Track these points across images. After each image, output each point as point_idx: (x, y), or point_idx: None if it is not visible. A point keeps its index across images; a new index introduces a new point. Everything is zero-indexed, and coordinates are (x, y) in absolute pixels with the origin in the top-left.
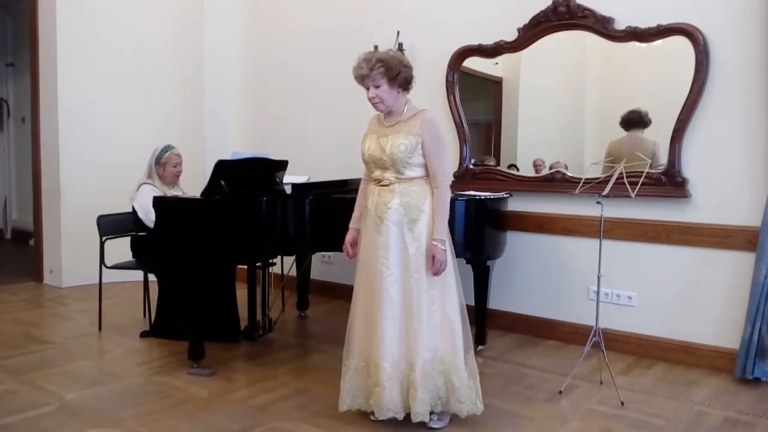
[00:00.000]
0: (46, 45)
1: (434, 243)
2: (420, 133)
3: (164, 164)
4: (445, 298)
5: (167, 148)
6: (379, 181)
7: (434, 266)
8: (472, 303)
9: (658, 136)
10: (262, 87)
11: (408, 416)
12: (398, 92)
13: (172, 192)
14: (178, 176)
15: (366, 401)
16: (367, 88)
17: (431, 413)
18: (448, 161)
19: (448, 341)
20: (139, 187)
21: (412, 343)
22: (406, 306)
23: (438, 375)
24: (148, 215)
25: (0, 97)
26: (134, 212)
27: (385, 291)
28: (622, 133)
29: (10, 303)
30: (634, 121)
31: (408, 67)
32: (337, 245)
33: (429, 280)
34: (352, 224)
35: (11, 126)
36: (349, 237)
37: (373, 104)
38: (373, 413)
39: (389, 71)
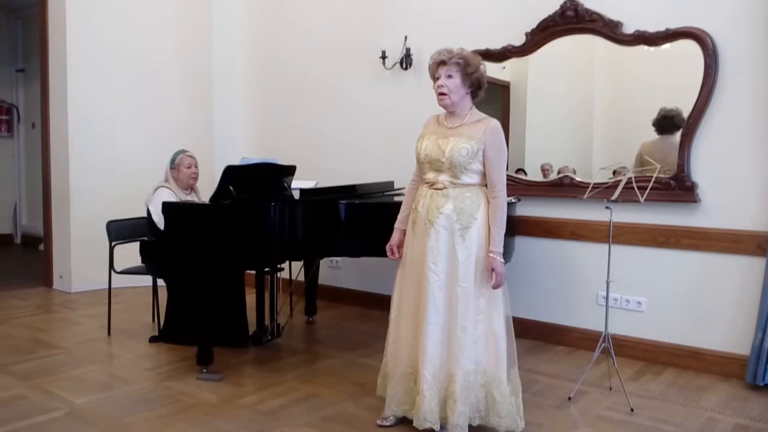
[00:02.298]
0: (56, 51)
1: (492, 255)
2: (483, 139)
3: (178, 166)
4: (492, 309)
5: (180, 151)
6: (432, 184)
7: (495, 279)
8: None
9: None
10: (271, 93)
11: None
12: (467, 92)
13: (188, 197)
14: (195, 179)
15: (411, 408)
16: (438, 78)
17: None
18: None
19: (491, 354)
20: (155, 190)
21: (454, 353)
22: (450, 314)
23: (479, 388)
24: (162, 218)
25: (10, 102)
26: (149, 216)
27: (432, 297)
28: (631, 136)
29: (19, 308)
30: (668, 126)
31: (484, 73)
32: (344, 250)
33: (476, 290)
34: (397, 225)
35: (21, 131)
36: (395, 238)
37: (438, 94)
38: (385, 418)
39: (467, 66)
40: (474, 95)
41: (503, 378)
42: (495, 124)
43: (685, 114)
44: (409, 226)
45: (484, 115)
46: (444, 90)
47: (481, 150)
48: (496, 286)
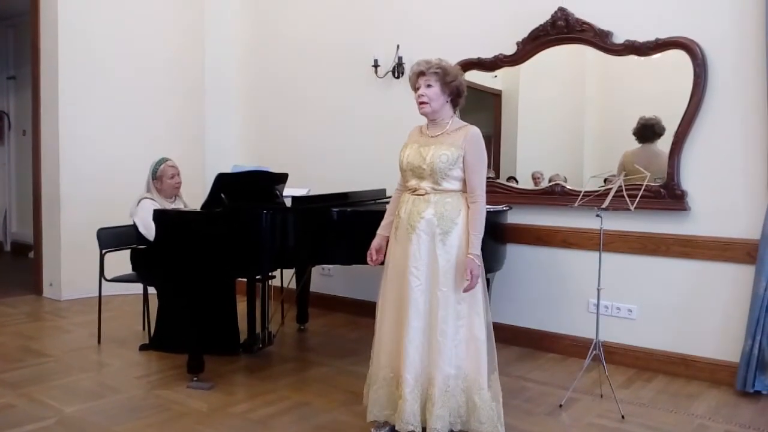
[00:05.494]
0: (47, 58)
1: (471, 257)
2: (463, 146)
3: (161, 177)
4: (474, 315)
5: (161, 161)
6: (414, 191)
7: (471, 281)
8: None
9: None
10: (263, 101)
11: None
12: (447, 101)
13: (173, 205)
14: (178, 188)
15: (393, 413)
16: (418, 88)
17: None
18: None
19: (472, 359)
20: (138, 201)
21: (434, 357)
22: (430, 318)
23: (460, 393)
24: (149, 230)
25: (1, 109)
26: (135, 226)
27: (414, 301)
28: (621, 145)
29: (9, 316)
30: (648, 135)
31: (463, 81)
32: (336, 258)
33: (457, 295)
34: (380, 231)
35: (12, 138)
36: (375, 242)
37: (419, 103)
38: (380, 423)
39: (446, 75)
40: (454, 103)
41: (484, 383)
42: (475, 131)
43: (665, 122)
44: (392, 232)
45: (464, 123)
46: (424, 99)
47: (461, 157)
48: (468, 289)
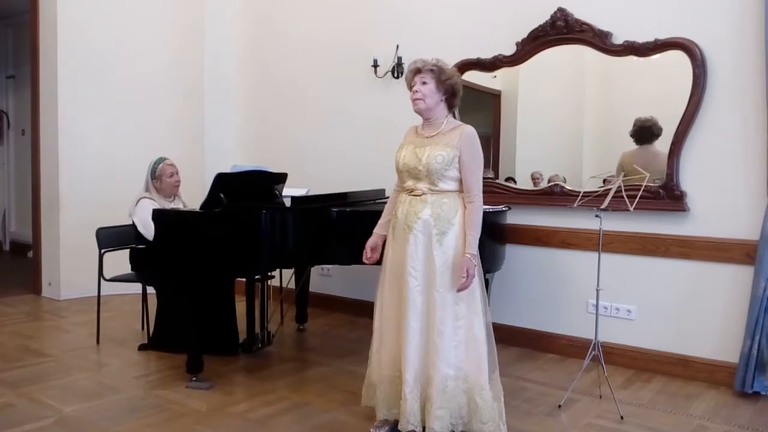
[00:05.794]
0: (46, 57)
1: (467, 256)
2: (458, 146)
3: (160, 177)
4: (472, 315)
5: (160, 160)
6: (411, 191)
7: (465, 280)
8: None
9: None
10: (262, 100)
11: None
12: (441, 99)
13: (172, 205)
14: (177, 187)
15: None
16: (413, 86)
17: None
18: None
19: (473, 359)
20: (137, 201)
21: (431, 358)
22: (428, 319)
23: (461, 393)
24: (148, 229)
25: (0, 109)
26: (134, 226)
27: (412, 301)
28: (620, 145)
29: (8, 315)
30: (646, 136)
31: (459, 81)
32: (336, 258)
33: (454, 296)
34: (376, 230)
35: (11, 138)
36: (370, 241)
37: (414, 100)
38: (378, 426)
39: (441, 73)
40: (449, 103)
41: (485, 383)
42: (470, 130)
43: (664, 123)
44: (390, 233)
45: (459, 123)
46: (418, 95)
47: (456, 157)
48: (462, 288)
